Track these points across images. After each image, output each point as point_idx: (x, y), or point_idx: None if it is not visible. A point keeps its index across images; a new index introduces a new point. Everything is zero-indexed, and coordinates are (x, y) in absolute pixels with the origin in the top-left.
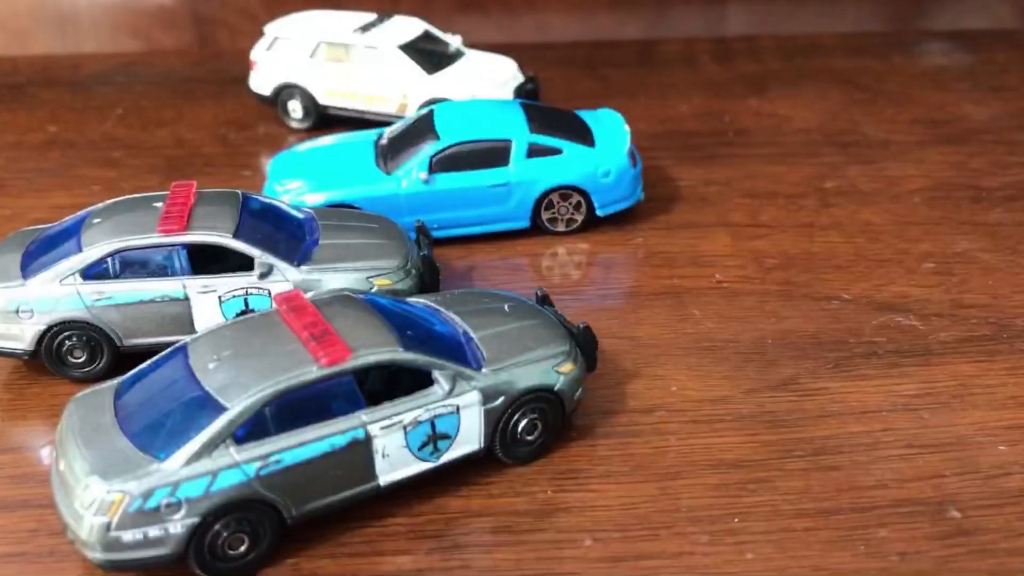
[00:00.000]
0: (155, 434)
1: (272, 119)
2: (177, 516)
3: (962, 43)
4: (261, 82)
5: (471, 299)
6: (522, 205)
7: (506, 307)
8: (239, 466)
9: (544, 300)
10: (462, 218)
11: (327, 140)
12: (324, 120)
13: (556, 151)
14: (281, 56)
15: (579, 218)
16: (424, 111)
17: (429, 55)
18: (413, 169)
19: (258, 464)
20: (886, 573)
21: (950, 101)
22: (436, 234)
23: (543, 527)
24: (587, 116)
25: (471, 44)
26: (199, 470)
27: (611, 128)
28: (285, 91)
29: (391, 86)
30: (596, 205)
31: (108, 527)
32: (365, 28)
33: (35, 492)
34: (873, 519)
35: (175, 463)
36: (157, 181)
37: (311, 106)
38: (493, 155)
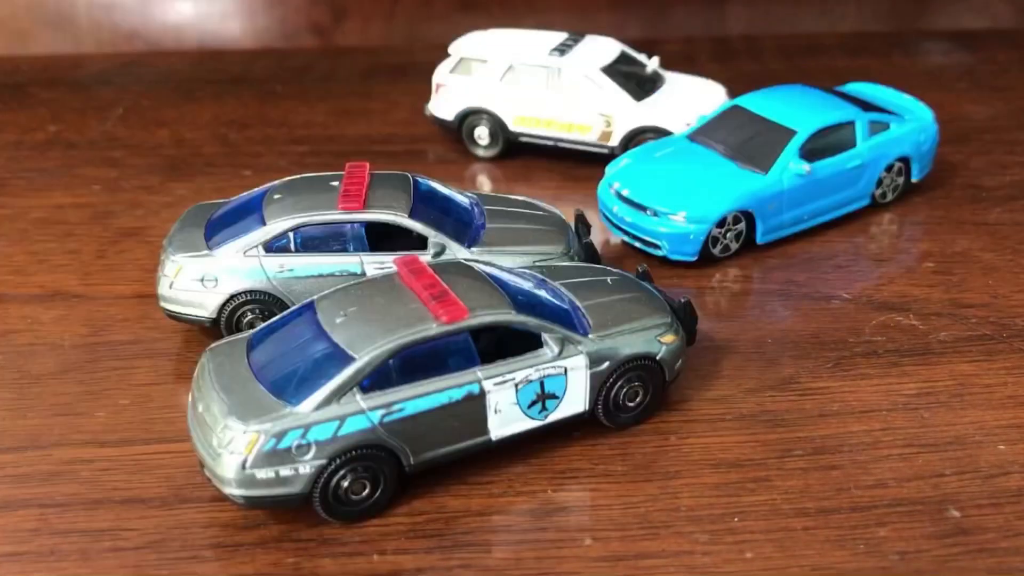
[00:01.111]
0: (287, 382)
1: (268, 122)
2: (307, 457)
3: (962, 43)
4: (444, 107)
5: (575, 271)
6: (869, 183)
7: (609, 280)
8: (364, 413)
9: (645, 276)
10: (825, 205)
11: (634, 157)
12: (513, 148)
13: (886, 126)
14: (468, 79)
15: (900, 181)
16: (728, 106)
17: (632, 79)
18: (788, 163)
19: (382, 411)
20: (885, 572)
21: (950, 101)
22: (797, 228)
23: (543, 526)
24: (846, 90)
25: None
26: (328, 415)
27: (890, 98)
28: (471, 117)
29: (594, 113)
30: (914, 171)
31: (244, 464)
32: (561, 50)
33: (36, 492)
34: (873, 518)
35: (307, 407)
36: (157, 181)
37: (500, 133)
38: (843, 138)
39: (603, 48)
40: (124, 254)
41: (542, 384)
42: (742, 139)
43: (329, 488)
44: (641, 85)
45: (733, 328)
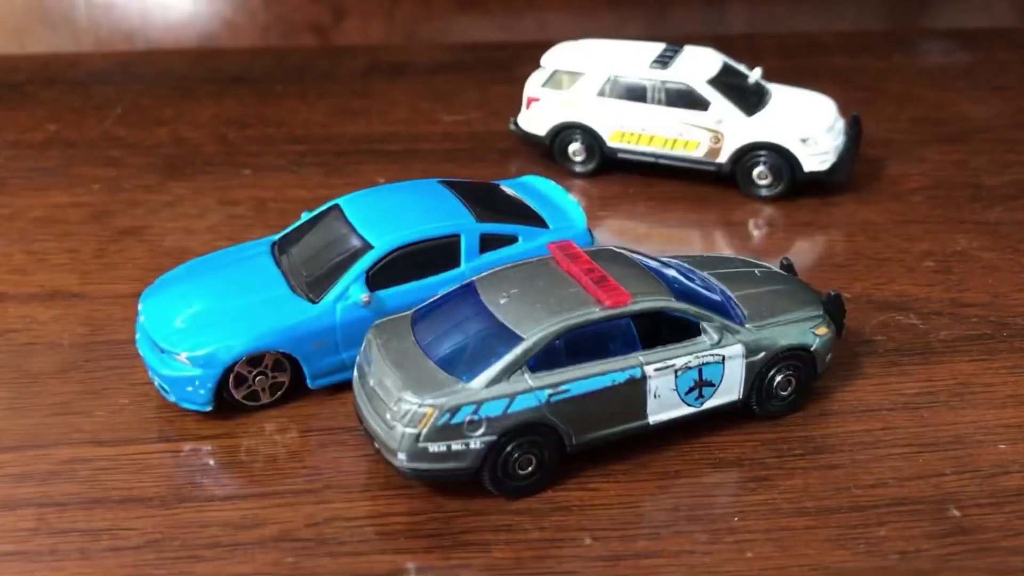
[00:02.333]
0: (458, 359)
1: (268, 121)
2: (478, 433)
3: (962, 42)
4: (536, 121)
5: (721, 263)
6: None
7: (757, 272)
8: (532, 391)
9: (789, 269)
10: None
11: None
12: (609, 165)
13: (512, 240)
14: (563, 92)
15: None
16: (329, 206)
17: (738, 91)
18: (347, 289)
19: (549, 391)
20: (886, 572)
21: (950, 100)
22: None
23: (543, 526)
24: (511, 185)
25: (472, 44)
26: (498, 392)
27: (551, 199)
28: (564, 132)
29: (701, 128)
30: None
31: (417, 438)
32: (662, 61)
33: (35, 491)
34: (873, 518)
35: (478, 384)
36: (157, 180)
37: (596, 149)
38: (442, 257)
39: (706, 59)
40: (123, 253)
41: (700, 372)
42: (314, 253)
43: (498, 463)
44: (747, 98)
45: None
